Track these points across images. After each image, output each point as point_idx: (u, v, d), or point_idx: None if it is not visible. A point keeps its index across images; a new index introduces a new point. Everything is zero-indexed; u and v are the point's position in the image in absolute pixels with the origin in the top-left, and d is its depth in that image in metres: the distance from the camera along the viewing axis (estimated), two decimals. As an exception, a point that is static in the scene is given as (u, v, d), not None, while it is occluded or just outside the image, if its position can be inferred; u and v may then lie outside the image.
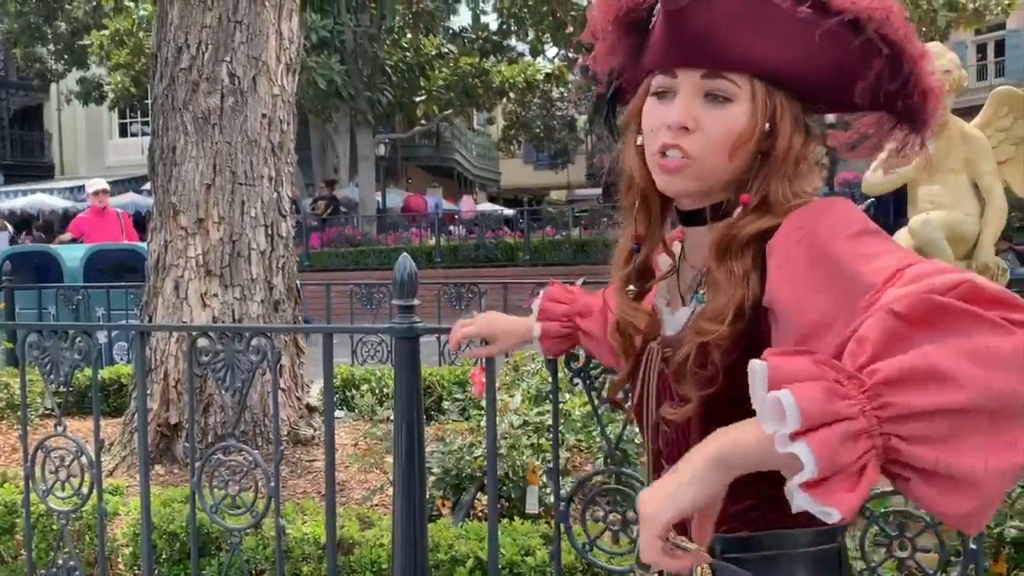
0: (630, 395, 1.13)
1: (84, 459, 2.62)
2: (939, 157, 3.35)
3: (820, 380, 0.69)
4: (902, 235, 3.38)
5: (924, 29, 15.11)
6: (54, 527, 2.82)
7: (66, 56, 24.12)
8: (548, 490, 2.92)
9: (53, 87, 27.71)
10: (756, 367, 0.72)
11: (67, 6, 23.83)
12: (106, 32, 19.51)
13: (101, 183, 8.58)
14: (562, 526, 2.13)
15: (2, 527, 3.05)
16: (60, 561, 2.70)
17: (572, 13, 19.20)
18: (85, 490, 2.60)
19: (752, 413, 0.74)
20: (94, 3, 21.37)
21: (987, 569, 2.23)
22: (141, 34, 18.04)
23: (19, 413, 3.02)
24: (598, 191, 34.29)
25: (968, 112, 3.64)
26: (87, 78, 24.05)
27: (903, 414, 0.66)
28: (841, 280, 0.81)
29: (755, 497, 0.97)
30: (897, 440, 0.66)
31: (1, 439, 4.52)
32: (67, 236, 8.55)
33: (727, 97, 0.96)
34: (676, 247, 1.14)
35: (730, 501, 0.94)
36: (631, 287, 1.10)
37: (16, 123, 30.71)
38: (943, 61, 3.20)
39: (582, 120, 30.15)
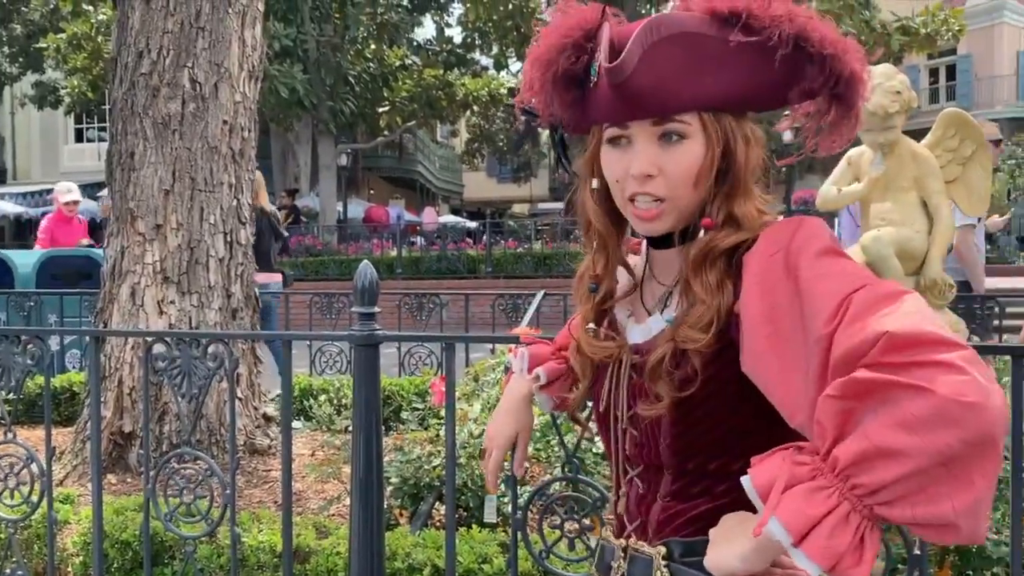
0: (594, 404, 1.17)
1: (34, 467, 2.57)
2: (890, 176, 3.45)
3: (798, 484, 0.81)
4: (854, 251, 3.47)
5: (880, 51, 15.46)
6: (1, 536, 2.76)
7: (21, 59, 23.69)
8: (507, 499, 2.93)
9: (7, 90, 27.17)
10: (744, 483, 0.87)
11: (23, 8, 23.42)
12: (63, 36, 19.20)
13: (75, 193, 8.21)
14: (519, 533, 2.14)
15: (-53, 537, 2.98)
16: (7, 571, 2.64)
17: (536, 28, 19.35)
18: (35, 498, 2.56)
19: (721, 416, 1.01)
20: (51, 6, 21.04)
21: (932, 575, 2.29)
22: (99, 38, 17.78)
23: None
24: (560, 205, 34.52)
25: (921, 134, 3.75)
26: (43, 82, 23.64)
27: (874, 489, 0.77)
28: (802, 298, 0.90)
29: (714, 500, 1.03)
30: (879, 507, 0.78)
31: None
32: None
33: (681, 135, 1.02)
34: (632, 259, 1.19)
35: (690, 505, 1.04)
36: (591, 326, 1.15)
37: (-33, 126, 30.03)
38: (893, 82, 3.29)
39: (545, 134, 30.36)
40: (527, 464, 3.26)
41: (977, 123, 3.62)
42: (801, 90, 1.01)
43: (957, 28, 16.97)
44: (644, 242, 1.16)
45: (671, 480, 1.05)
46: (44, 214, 26.12)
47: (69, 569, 2.86)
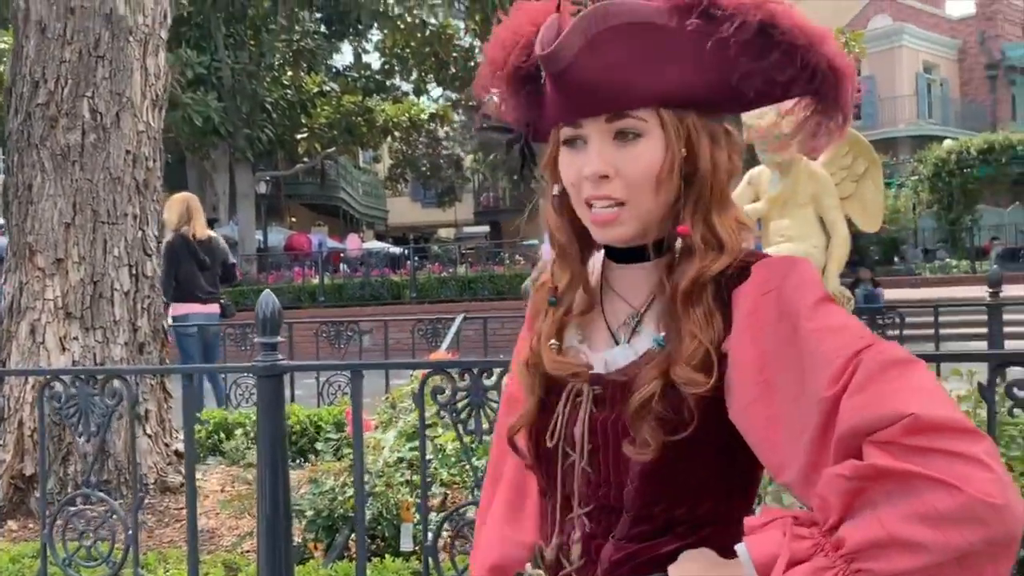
0: (533, 436, 1.02)
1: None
2: (787, 193, 3.58)
3: (800, 564, 0.76)
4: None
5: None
6: None
7: (-82, 89, 22.69)
8: (422, 528, 2.90)
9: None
10: (741, 554, 0.81)
11: (-81, 36, 22.49)
12: (-37, 64, 18.48)
13: None
14: (431, 560, 2.13)
15: None
16: None
17: (454, 54, 19.50)
18: (-78, 549, 2.43)
19: (706, 460, 0.92)
20: (-51, 34, 20.22)
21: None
22: None
23: None
24: (486, 228, 34.63)
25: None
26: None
27: None
28: (801, 350, 0.84)
29: (679, 540, 0.95)
30: None
31: None
32: None
33: (637, 133, 0.94)
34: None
35: (649, 546, 0.95)
36: (553, 342, 1.03)
37: None
38: (790, 103, 3.42)
39: (468, 159, 30.46)
40: (443, 490, 3.25)
41: (867, 142, 3.79)
42: (772, 85, 0.91)
43: (858, 51, 17.73)
44: (599, 255, 1.04)
45: (629, 523, 0.95)
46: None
47: (-38, 623, 2.72)
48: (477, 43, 19.90)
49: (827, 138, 0.97)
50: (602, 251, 1.05)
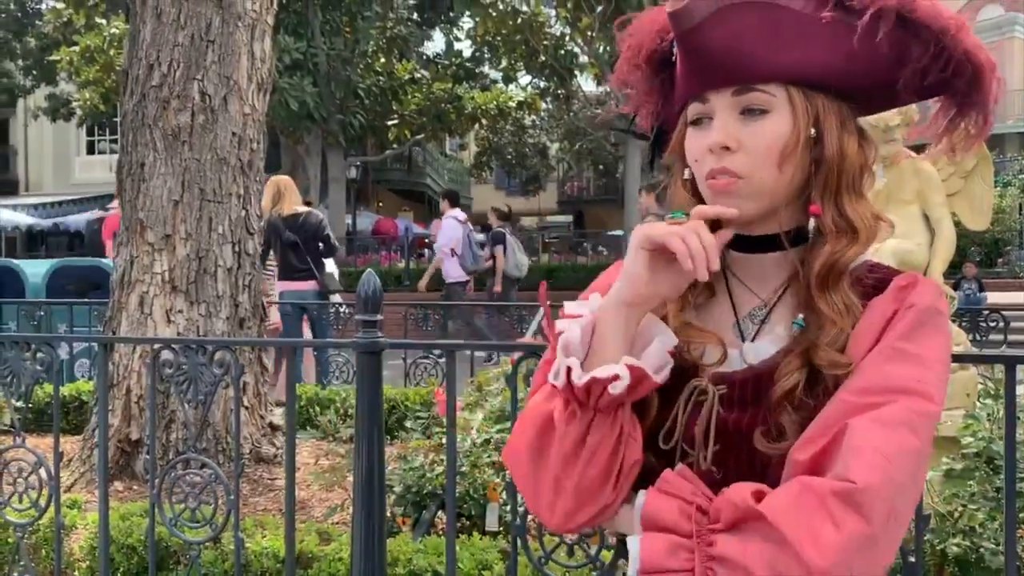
0: (661, 436, 0.98)
1: (43, 472, 2.61)
2: (891, 188, 3.47)
3: (671, 534, 0.86)
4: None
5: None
6: (10, 540, 2.79)
7: (35, 72, 23.95)
8: (508, 508, 2.95)
9: (20, 102, 27.44)
10: (637, 500, 0.90)
11: (37, 22, 23.70)
12: (76, 49, 19.41)
13: None
14: (519, 540, 2.16)
15: (-44, 541, 3.02)
16: (15, 575, 2.67)
17: (545, 42, 19.46)
18: (43, 503, 2.59)
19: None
20: (65, 19, 21.26)
21: (930, 585, 2.30)
22: (112, 51, 17.97)
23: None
24: (569, 218, 34.57)
25: (921, 147, 3.77)
26: (56, 94, 23.88)
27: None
28: (877, 353, 0.89)
29: None
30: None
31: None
32: None
33: (764, 109, 0.93)
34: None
35: None
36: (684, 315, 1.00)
37: (-19, 139, 30.36)
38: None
39: (554, 148, 30.41)
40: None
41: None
42: (907, 73, 0.91)
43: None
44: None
45: None
46: (56, 225, 26.14)
47: (76, 573, 2.89)
48: (567, 31, 19.83)
49: (967, 141, 0.96)
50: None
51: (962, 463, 2.59)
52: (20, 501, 2.62)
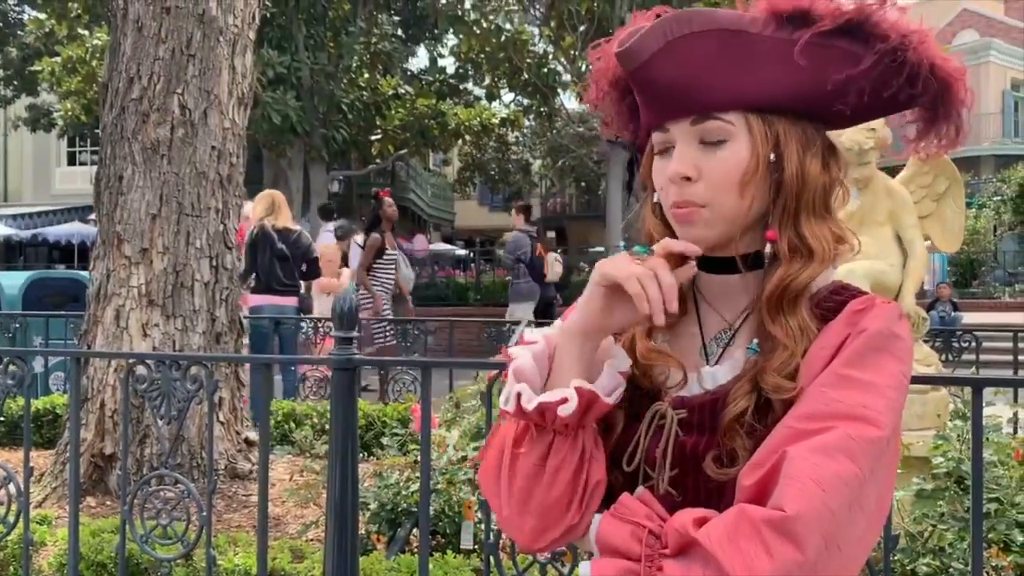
0: (619, 457, 0.99)
1: (12, 487, 2.58)
2: (865, 210, 3.52)
3: (623, 560, 0.86)
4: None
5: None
6: (-23, 557, 2.76)
7: (16, 82, 23.76)
8: (483, 526, 2.94)
9: (1, 112, 27.22)
10: (594, 521, 0.92)
11: (19, 32, 23.55)
12: (58, 59, 19.30)
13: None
14: (491, 558, 2.16)
15: (-78, 557, 2.97)
16: (-19, 592, 2.64)
17: (528, 60, 19.58)
18: (11, 519, 2.56)
19: None
20: (47, 30, 21.16)
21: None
22: (94, 62, 17.88)
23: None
24: (552, 234, 34.63)
25: (895, 170, 3.83)
26: (36, 105, 23.70)
27: None
28: (827, 376, 0.88)
29: None
30: None
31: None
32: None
33: (722, 139, 0.93)
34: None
35: None
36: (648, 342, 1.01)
37: (-40, 148, 30.08)
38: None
39: (537, 164, 30.52)
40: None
41: (949, 160, 3.71)
42: (871, 93, 0.91)
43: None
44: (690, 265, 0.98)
45: None
46: (35, 236, 25.85)
47: (44, 591, 2.85)
48: (551, 49, 19.96)
49: (941, 149, 0.96)
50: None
51: (932, 483, 2.62)
52: (-12, 517, 2.59)
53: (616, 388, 0.95)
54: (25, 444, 2.56)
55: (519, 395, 0.93)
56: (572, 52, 18.84)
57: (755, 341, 0.95)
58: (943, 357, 4.69)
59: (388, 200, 7.51)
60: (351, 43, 18.53)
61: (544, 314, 8.52)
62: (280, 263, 6.16)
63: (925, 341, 3.81)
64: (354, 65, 19.12)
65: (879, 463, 0.85)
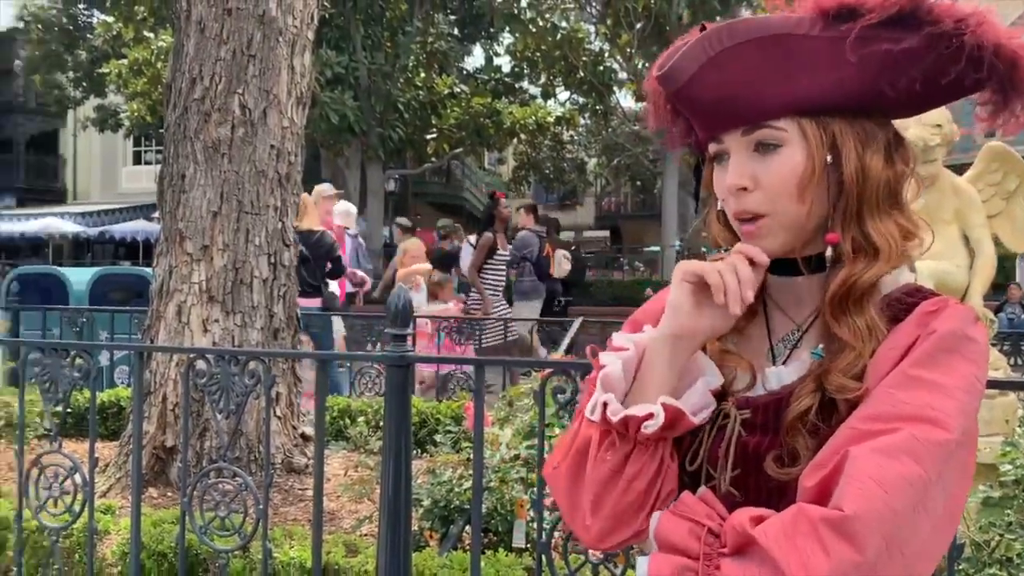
0: (687, 458, 0.99)
1: (78, 477, 2.66)
2: (931, 208, 3.41)
3: (681, 557, 0.86)
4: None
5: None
6: (44, 544, 2.85)
7: (84, 83, 24.53)
8: (536, 525, 2.94)
9: (70, 113, 28.14)
10: (654, 518, 0.91)
11: (88, 35, 24.30)
12: (125, 61, 19.87)
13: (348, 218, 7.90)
14: (543, 557, 2.16)
15: (-7, 542, 3.08)
16: (49, 577, 2.72)
17: (583, 59, 19.52)
18: (77, 507, 2.64)
19: None
20: (115, 33, 21.78)
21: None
22: (159, 64, 18.37)
23: (18, 432, 3.06)
24: (605, 233, 34.48)
25: (962, 167, 3.71)
26: (104, 106, 24.44)
27: None
28: (895, 378, 0.87)
29: None
30: None
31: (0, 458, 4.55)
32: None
33: (776, 144, 0.92)
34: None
35: None
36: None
37: (31, 148, 31.17)
38: (934, 115, 3.27)
39: (592, 163, 30.42)
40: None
41: (1020, 157, 3.57)
42: (933, 81, 0.89)
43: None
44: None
45: None
46: (102, 233, 26.69)
47: (107, 578, 2.93)
48: (606, 47, 19.86)
49: (1014, 125, 0.93)
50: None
51: (1000, 491, 2.53)
52: (55, 505, 2.67)
53: (705, 408, 0.95)
54: (91, 435, 2.63)
55: (605, 405, 0.93)
56: (628, 50, 18.71)
57: (820, 346, 0.95)
58: (1012, 361, 4.54)
59: (503, 201, 7.63)
60: (408, 43, 18.71)
61: (547, 306, 8.57)
62: (302, 265, 6.23)
63: (993, 344, 3.69)
64: (410, 64, 19.31)
65: (947, 466, 0.82)
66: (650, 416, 0.90)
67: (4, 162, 30.78)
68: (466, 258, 8.16)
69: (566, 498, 0.98)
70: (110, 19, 22.13)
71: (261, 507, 2.40)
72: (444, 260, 9.09)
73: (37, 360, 2.70)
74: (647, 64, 17.87)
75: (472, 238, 8.18)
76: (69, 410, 4.06)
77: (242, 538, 2.48)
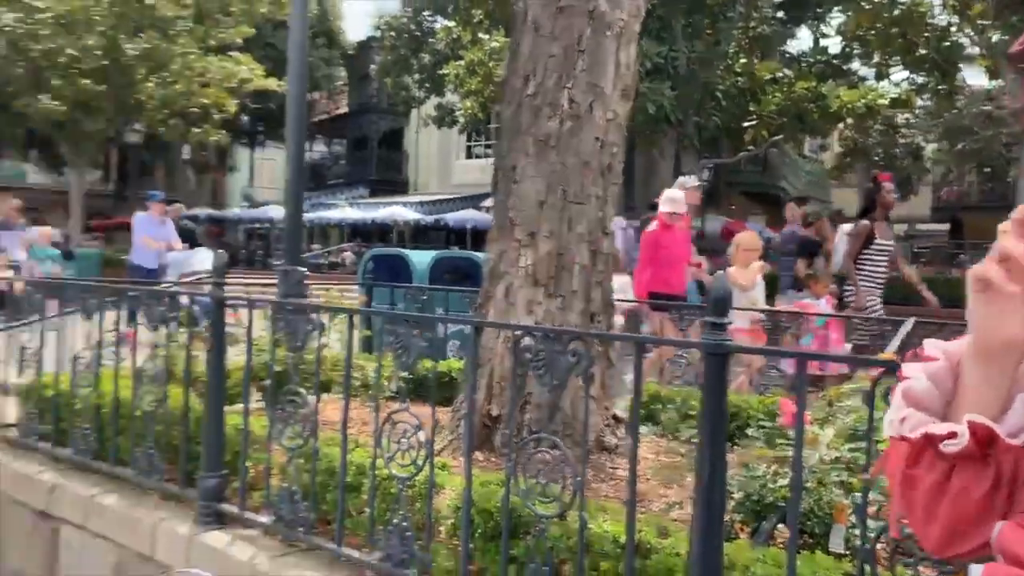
0: None
1: (421, 435, 3.00)
2: None
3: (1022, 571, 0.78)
4: None
5: None
6: (392, 491, 3.24)
7: (427, 84, 27.03)
8: (856, 531, 2.79)
9: (413, 112, 31.20)
10: (996, 527, 0.84)
11: (431, 39, 26.73)
12: (462, 62, 21.59)
13: (677, 204, 7.73)
14: (866, 566, 2.05)
15: (352, 485, 3.55)
16: (395, 521, 3.10)
17: (925, 35, 17.77)
18: (420, 462, 2.98)
19: None
20: (454, 36, 23.74)
21: None
22: (491, 64, 19.70)
23: (370, 392, 3.51)
24: (945, 227, 31.17)
25: None
26: (443, 104, 26.78)
27: None
28: None
29: None
30: None
31: (355, 413, 5.23)
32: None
33: None
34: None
35: None
36: None
37: (382, 144, 35.30)
38: None
39: (930, 148, 27.66)
40: (880, 497, 3.07)
41: None
42: None
43: None
44: None
45: None
46: (437, 220, 29.45)
47: (441, 528, 3.26)
48: (955, 20, 17.90)
49: None
50: None
51: None
52: (403, 458, 3.03)
53: None
54: (431, 400, 2.95)
55: (903, 420, 0.88)
56: (980, 22, 16.70)
57: None
58: None
59: (888, 185, 6.99)
60: (729, 28, 18.30)
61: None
62: None
63: None
64: (731, 51, 18.87)
65: None
66: (952, 435, 0.83)
67: (360, 157, 35.30)
68: (841, 248, 7.68)
69: (902, 504, 0.94)
70: (451, 24, 24.17)
71: (579, 479, 2.54)
72: (805, 248, 8.71)
73: (391, 330, 3.07)
74: (1005, 37, 15.84)
75: (847, 226, 7.62)
76: (411, 375, 4.55)
77: (560, 506, 2.64)
